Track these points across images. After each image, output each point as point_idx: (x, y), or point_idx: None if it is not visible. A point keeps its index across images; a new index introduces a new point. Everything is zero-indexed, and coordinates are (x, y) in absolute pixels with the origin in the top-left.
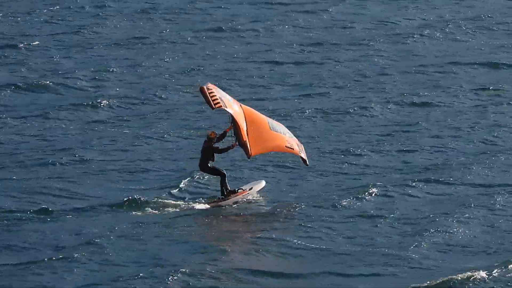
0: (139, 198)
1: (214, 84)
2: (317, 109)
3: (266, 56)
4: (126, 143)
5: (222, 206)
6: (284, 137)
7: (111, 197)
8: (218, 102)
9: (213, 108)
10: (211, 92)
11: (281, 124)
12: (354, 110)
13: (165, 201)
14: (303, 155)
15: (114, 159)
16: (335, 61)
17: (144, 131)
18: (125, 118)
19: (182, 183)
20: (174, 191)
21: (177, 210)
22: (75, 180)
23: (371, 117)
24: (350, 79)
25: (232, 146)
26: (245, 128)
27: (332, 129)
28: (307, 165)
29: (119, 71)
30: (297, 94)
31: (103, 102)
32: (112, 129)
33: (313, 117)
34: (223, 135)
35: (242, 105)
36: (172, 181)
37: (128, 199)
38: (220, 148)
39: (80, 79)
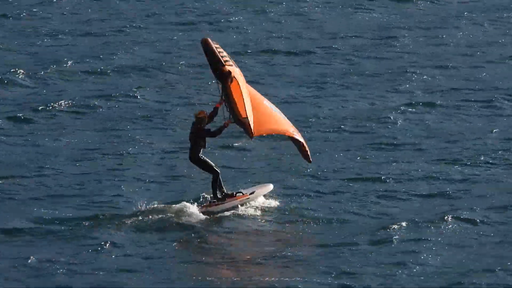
0: (105, 215)
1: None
2: (325, 113)
3: (256, 48)
4: (83, 154)
5: (214, 213)
6: (287, 121)
7: (68, 217)
8: (227, 60)
9: (223, 66)
10: (218, 47)
11: (278, 109)
12: (371, 115)
13: (139, 216)
14: (307, 147)
15: (69, 173)
16: (343, 55)
17: (106, 139)
18: (80, 124)
19: (160, 194)
20: (151, 204)
21: (157, 224)
22: (23, 200)
23: (392, 123)
24: (364, 78)
25: (226, 125)
26: (247, 101)
27: (345, 138)
28: (310, 161)
29: (71, 66)
30: (295, 93)
31: (53, 105)
32: (66, 138)
33: (320, 122)
34: (213, 113)
35: (241, 73)
36: (149, 192)
37: (92, 217)
38: (212, 130)
39: (24, 76)
